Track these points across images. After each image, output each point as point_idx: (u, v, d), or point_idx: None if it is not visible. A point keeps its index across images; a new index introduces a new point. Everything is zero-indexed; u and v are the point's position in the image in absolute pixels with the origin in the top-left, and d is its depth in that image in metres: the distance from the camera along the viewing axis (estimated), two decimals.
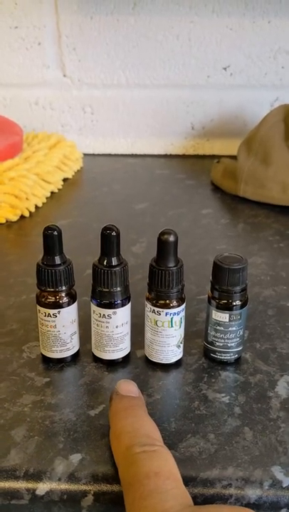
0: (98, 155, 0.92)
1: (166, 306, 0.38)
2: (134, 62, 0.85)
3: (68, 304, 0.39)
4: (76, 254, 0.44)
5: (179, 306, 0.38)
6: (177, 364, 0.40)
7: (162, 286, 0.37)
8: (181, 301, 0.39)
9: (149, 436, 0.30)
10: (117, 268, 0.37)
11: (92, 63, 0.86)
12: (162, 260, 0.37)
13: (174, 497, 0.27)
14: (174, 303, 0.38)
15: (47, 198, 0.71)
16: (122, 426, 0.31)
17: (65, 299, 0.38)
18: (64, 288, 0.38)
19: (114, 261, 0.37)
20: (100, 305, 0.38)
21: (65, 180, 0.78)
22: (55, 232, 0.37)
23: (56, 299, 0.38)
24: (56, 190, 0.74)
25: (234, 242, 0.61)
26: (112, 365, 0.40)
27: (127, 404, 0.33)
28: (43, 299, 0.38)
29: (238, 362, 0.41)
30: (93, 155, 0.92)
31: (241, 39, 0.84)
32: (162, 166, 0.88)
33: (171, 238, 0.37)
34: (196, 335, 0.44)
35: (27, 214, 0.66)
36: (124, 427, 0.31)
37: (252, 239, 0.62)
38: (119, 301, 0.38)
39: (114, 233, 0.37)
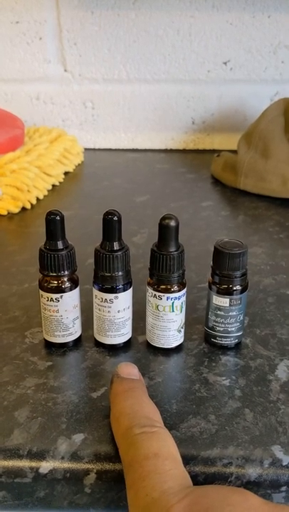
0: (99, 150, 0.92)
1: (168, 291, 0.38)
2: (134, 56, 0.86)
3: (70, 289, 0.39)
4: (77, 245, 0.44)
5: (179, 290, 0.39)
6: (178, 349, 0.41)
7: (163, 270, 0.38)
8: (182, 285, 0.39)
9: (149, 418, 0.30)
10: (119, 253, 0.38)
11: (93, 58, 0.86)
12: (163, 245, 0.38)
13: (172, 478, 0.27)
14: (175, 287, 0.39)
15: (48, 190, 0.72)
16: (122, 408, 0.31)
17: (68, 284, 0.39)
18: (66, 273, 0.38)
19: (115, 246, 0.38)
20: (102, 290, 0.39)
21: (66, 173, 0.79)
22: (58, 217, 0.37)
23: (59, 283, 0.39)
24: (57, 183, 0.75)
25: (234, 233, 0.62)
26: (113, 349, 0.41)
27: (127, 387, 0.33)
28: (46, 284, 0.39)
29: (238, 347, 0.41)
30: (94, 150, 0.92)
31: (241, 34, 0.84)
32: (163, 160, 0.88)
33: (173, 223, 0.37)
34: (197, 321, 0.44)
35: (28, 206, 0.67)
36: (124, 408, 0.31)
37: (252, 230, 0.62)
38: (120, 286, 0.39)
39: (115, 218, 0.37)
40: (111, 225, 0.37)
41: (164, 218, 0.37)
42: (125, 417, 0.31)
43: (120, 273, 0.38)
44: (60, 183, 0.75)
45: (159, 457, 0.28)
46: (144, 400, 0.32)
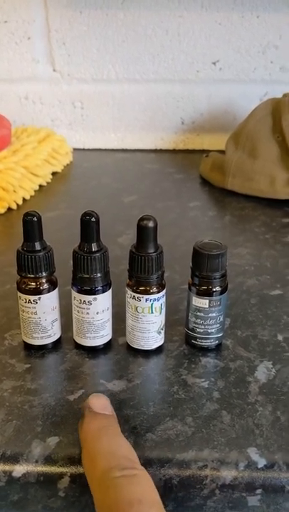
0: (88, 150, 0.92)
1: (147, 292, 0.38)
2: (123, 56, 0.86)
3: (49, 291, 0.39)
4: (62, 245, 0.44)
5: (159, 292, 0.38)
6: (158, 350, 0.41)
7: (142, 272, 0.38)
8: (161, 287, 0.39)
9: (128, 459, 0.28)
10: (97, 254, 0.38)
11: (82, 58, 0.86)
12: (142, 246, 0.37)
13: None
14: (154, 289, 0.38)
15: (35, 191, 0.72)
16: (98, 447, 0.29)
17: (46, 286, 0.39)
18: (44, 274, 0.38)
19: (94, 247, 0.38)
20: (81, 291, 0.38)
21: (54, 174, 0.78)
22: (35, 218, 0.37)
23: (37, 285, 0.38)
24: (45, 184, 0.74)
25: (220, 233, 0.61)
26: (93, 351, 0.40)
27: (101, 424, 0.31)
28: (24, 286, 0.39)
29: (218, 348, 0.41)
30: (83, 150, 0.92)
31: (230, 34, 0.84)
32: (152, 160, 0.88)
33: (151, 224, 0.37)
34: (178, 323, 0.44)
35: (14, 206, 0.66)
36: (100, 448, 0.29)
37: (238, 230, 0.62)
38: (99, 288, 0.38)
39: (93, 219, 0.37)
40: (89, 226, 0.37)
41: (142, 219, 0.37)
42: (102, 458, 0.28)
43: (99, 274, 0.38)
44: (47, 183, 0.75)
45: (143, 504, 0.26)
46: (120, 439, 0.30)
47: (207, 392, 0.36)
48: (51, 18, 0.83)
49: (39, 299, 0.38)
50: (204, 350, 0.41)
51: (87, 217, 0.37)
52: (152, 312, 0.39)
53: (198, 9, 0.82)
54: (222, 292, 0.39)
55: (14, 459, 0.31)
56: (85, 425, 0.31)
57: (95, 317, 0.39)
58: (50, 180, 0.76)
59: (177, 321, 0.44)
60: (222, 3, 0.82)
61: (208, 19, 0.83)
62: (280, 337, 0.43)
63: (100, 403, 0.32)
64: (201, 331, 0.40)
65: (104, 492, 0.27)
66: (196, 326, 0.40)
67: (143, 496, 0.26)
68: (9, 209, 0.66)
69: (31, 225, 0.37)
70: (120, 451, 0.29)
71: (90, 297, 0.38)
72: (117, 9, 0.83)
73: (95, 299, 0.39)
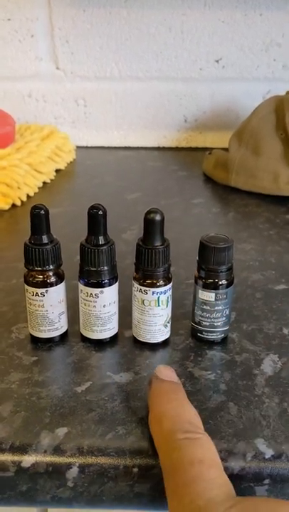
0: (91, 147, 0.92)
1: (153, 285, 0.38)
2: (126, 54, 0.86)
3: (56, 284, 0.39)
4: (66, 241, 0.44)
5: (165, 285, 0.39)
6: (164, 344, 0.41)
7: (149, 265, 0.38)
8: (167, 280, 0.39)
9: (192, 423, 0.30)
10: (104, 247, 0.38)
11: (85, 56, 0.86)
12: (149, 239, 0.38)
13: (218, 486, 0.26)
14: (161, 282, 0.38)
15: (39, 188, 0.72)
16: (164, 410, 0.31)
17: (53, 279, 0.39)
18: (51, 267, 0.38)
19: (101, 240, 0.38)
20: (88, 284, 0.39)
21: (57, 171, 0.79)
22: (42, 211, 0.37)
23: (44, 278, 0.38)
24: (48, 181, 0.74)
25: (224, 229, 0.62)
26: (99, 344, 0.41)
27: (168, 388, 0.33)
28: (31, 279, 0.39)
29: (224, 341, 0.41)
30: (86, 147, 0.92)
31: (233, 32, 0.84)
32: (155, 158, 0.88)
33: (158, 217, 0.37)
34: (184, 316, 0.44)
35: (18, 203, 0.66)
36: (167, 411, 0.31)
37: (242, 227, 0.62)
38: (106, 281, 0.39)
39: (100, 212, 0.37)
40: (96, 219, 0.37)
41: (149, 212, 0.37)
42: (168, 420, 0.30)
43: (106, 267, 0.38)
44: (51, 180, 0.75)
45: (204, 464, 0.27)
46: (186, 404, 0.32)
47: (214, 385, 0.37)
48: (55, 16, 0.83)
49: (46, 291, 0.39)
50: (210, 344, 0.41)
51: (95, 211, 0.37)
52: (159, 305, 0.39)
53: (202, 7, 0.82)
54: (228, 285, 0.39)
55: (23, 450, 0.31)
56: (152, 390, 0.33)
57: (102, 310, 0.39)
58: (53, 178, 0.76)
59: (183, 314, 0.44)
60: (225, 2, 0.82)
61: (211, 17, 0.83)
62: (285, 331, 0.43)
63: (165, 372, 0.34)
64: (207, 324, 0.40)
65: (169, 452, 0.28)
66: (202, 319, 0.40)
67: (204, 456, 0.28)
68: (13, 205, 0.67)
69: (39, 218, 0.37)
70: (185, 416, 0.30)
71: (97, 290, 0.39)
72: (121, 7, 0.83)
73: (101, 292, 0.39)
